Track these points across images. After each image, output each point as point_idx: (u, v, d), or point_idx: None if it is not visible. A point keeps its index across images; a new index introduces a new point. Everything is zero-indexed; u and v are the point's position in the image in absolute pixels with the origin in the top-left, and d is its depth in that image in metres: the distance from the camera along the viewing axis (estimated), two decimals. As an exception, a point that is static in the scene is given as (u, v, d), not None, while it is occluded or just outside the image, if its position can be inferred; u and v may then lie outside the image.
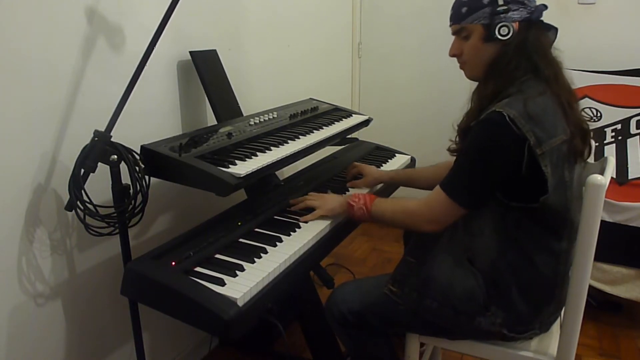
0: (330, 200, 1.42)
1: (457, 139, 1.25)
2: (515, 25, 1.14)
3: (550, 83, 1.13)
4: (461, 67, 1.26)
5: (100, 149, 1.15)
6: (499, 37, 1.14)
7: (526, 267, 1.15)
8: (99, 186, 1.25)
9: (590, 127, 1.20)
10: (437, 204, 1.17)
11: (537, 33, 1.16)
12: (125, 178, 1.19)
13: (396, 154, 2.09)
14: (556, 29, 1.20)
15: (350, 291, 1.33)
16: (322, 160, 1.96)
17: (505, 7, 1.13)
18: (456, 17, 1.20)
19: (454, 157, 1.24)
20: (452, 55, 1.25)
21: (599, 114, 2.33)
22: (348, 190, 1.66)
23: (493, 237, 1.15)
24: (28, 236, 1.22)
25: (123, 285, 1.15)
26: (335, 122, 1.77)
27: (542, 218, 1.11)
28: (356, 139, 2.22)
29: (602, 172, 1.12)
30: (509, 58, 1.15)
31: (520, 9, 1.14)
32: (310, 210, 1.42)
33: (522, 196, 1.10)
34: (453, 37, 1.24)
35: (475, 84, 1.24)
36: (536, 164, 1.06)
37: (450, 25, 1.23)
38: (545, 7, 1.17)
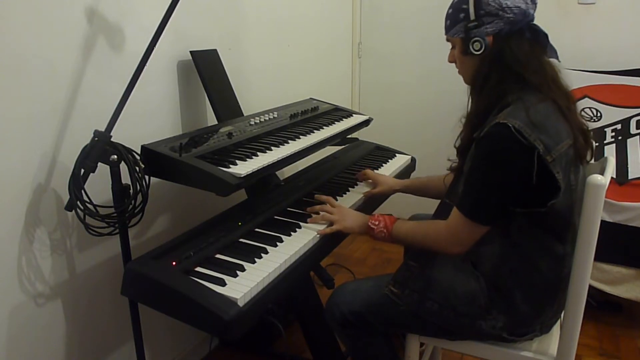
0: (350, 219, 1.37)
1: (457, 158, 1.25)
2: (489, 39, 1.14)
3: (542, 90, 1.12)
4: (459, 73, 1.28)
5: (100, 149, 1.15)
6: (473, 51, 1.15)
7: (529, 271, 1.14)
8: (99, 186, 1.25)
9: (590, 127, 1.20)
10: (458, 228, 1.15)
11: (517, 43, 1.14)
12: (125, 178, 1.19)
13: (396, 154, 2.09)
14: (546, 35, 1.17)
15: (351, 291, 1.32)
16: (323, 160, 1.96)
17: (476, 22, 1.14)
18: (445, 29, 1.24)
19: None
20: (449, 62, 1.28)
21: (599, 114, 2.33)
22: (348, 191, 1.66)
23: (496, 242, 1.15)
24: (28, 236, 1.22)
25: (123, 285, 1.15)
26: (336, 122, 1.77)
27: (546, 222, 1.11)
28: (356, 139, 2.23)
29: (602, 172, 1.12)
30: (486, 73, 1.15)
31: (495, 22, 1.13)
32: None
33: (528, 203, 1.09)
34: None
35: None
36: (547, 171, 1.04)
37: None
38: (526, 15, 1.13)
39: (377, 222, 1.31)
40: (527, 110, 1.06)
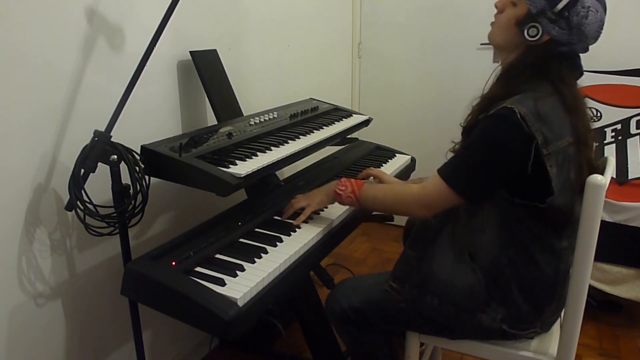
0: (317, 194, 1.39)
1: (461, 139, 1.23)
2: (546, 37, 1.10)
3: (571, 113, 1.11)
4: (491, 24, 1.21)
5: (100, 149, 1.15)
6: (526, 34, 1.10)
7: (527, 264, 1.15)
8: (99, 186, 1.25)
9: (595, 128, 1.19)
10: (433, 189, 1.16)
11: (562, 62, 1.12)
12: (125, 178, 1.19)
13: (396, 154, 2.09)
14: (582, 73, 1.16)
15: (351, 287, 1.33)
16: (323, 160, 1.96)
17: (554, 17, 1.08)
18: None
19: None
20: (495, 5, 1.20)
21: (599, 114, 2.33)
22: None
23: (495, 233, 1.15)
24: (28, 236, 1.22)
25: (123, 285, 1.15)
26: (336, 122, 1.77)
27: (546, 217, 1.11)
28: (356, 139, 2.22)
29: (602, 172, 1.12)
30: (524, 69, 1.12)
31: (564, 31, 1.09)
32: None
33: (526, 194, 1.10)
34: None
35: (481, 86, 1.22)
36: (542, 163, 1.05)
37: None
38: (586, 50, 1.13)
39: (343, 188, 1.32)
40: (535, 100, 1.06)
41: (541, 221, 1.12)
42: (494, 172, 1.10)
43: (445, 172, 1.15)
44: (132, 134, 1.37)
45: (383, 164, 1.94)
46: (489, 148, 1.09)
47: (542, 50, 1.11)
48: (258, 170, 1.26)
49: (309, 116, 1.79)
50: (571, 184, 1.11)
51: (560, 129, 1.09)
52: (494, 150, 1.08)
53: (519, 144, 1.05)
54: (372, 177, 1.71)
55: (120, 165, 1.17)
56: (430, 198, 1.17)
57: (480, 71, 1.23)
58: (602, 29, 1.13)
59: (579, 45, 1.12)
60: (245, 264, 1.16)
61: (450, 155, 1.28)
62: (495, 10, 1.20)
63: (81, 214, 1.18)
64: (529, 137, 1.04)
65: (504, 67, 1.19)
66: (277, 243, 1.27)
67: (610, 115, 2.31)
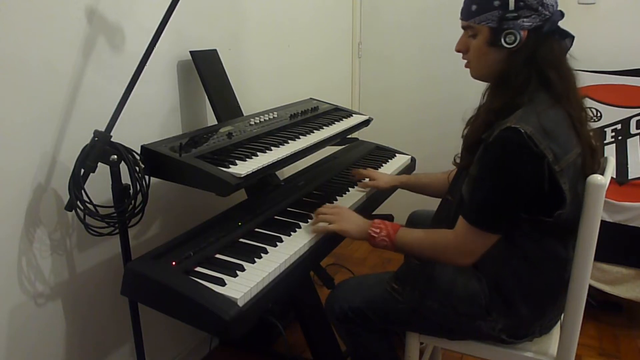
0: (349, 222, 1.31)
1: (464, 154, 1.21)
2: (524, 33, 1.08)
3: (561, 100, 1.09)
4: (466, 66, 1.21)
5: (100, 149, 1.15)
6: (505, 44, 1.09)
7: (532, 274, 1.14)
8: (99, 186, 1.25)
9: (595, 129, 1.17)
10: (467, 237, 1.11)
11: (550, 43, 1.09)
12: (125, 178, 1.19)
13: (396, 154, 2.09)
14: (572, 37, 1.13)
15: (352, 287, 1.33)
16: (323, 160, 1.96)
17: (515, 14, 1.07)
18: (465, 14, 1.15)
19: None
20: (457, 51, 1.20)
21: (599, 114, 2.33)
22: (348, 191, 1.66)
23: (500, 245, 1.13)
24: (28, 236, 1.22)
25: (123, 285, 1.15)
26: (336, 122, 1.77)
27: (551, 228, 1.09)
28: (356, 139, 2.23)
29: (602, 172, 1.12)
30: (518, 70, 1.10)
31: (533, 16, 1.07)
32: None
33: (533, 210, 1.07)
34: (462, 32, 1.19)
35: (482, 87, 1.21)
36: (554, 180, 1.03)
37: (460, 19, 1.17)
38: (562, 15, 1.11)
39: (378, 230, 1.24)
40: (538, 115, 1.03)
41: (546, 232, 1.10)
42: (516, 198, 1.06)
43: (471, 216, 1.10)
44: (132, 134, 1.37)
45: (383, 164, 1.95)
46: (504, 177, 1.05)
47: (527, 45, 1.09)
48: (258, 170, 1.26)
49: (309, 116, 1.79)
50: (578, 195, 1.09)
51: (567, 141, 1.07)
52: (509, 178, 1.04)
53: (531, 165, 1.02)
54: (367, 179, 1.71)
55: (120, 165, 1.17)
56: (467, 247, 1.12)
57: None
58: None
59: (554, 16, 1.09)
60: (245, 264, 1.16)
61: (452, 170, 1.26)
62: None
63: (81, 214, 1.18)
64: (539, 156, 1.00)
65: (489, 75, 1.17)
66: (277, 243, 1.27)
67: (610, 115, 2.31)
